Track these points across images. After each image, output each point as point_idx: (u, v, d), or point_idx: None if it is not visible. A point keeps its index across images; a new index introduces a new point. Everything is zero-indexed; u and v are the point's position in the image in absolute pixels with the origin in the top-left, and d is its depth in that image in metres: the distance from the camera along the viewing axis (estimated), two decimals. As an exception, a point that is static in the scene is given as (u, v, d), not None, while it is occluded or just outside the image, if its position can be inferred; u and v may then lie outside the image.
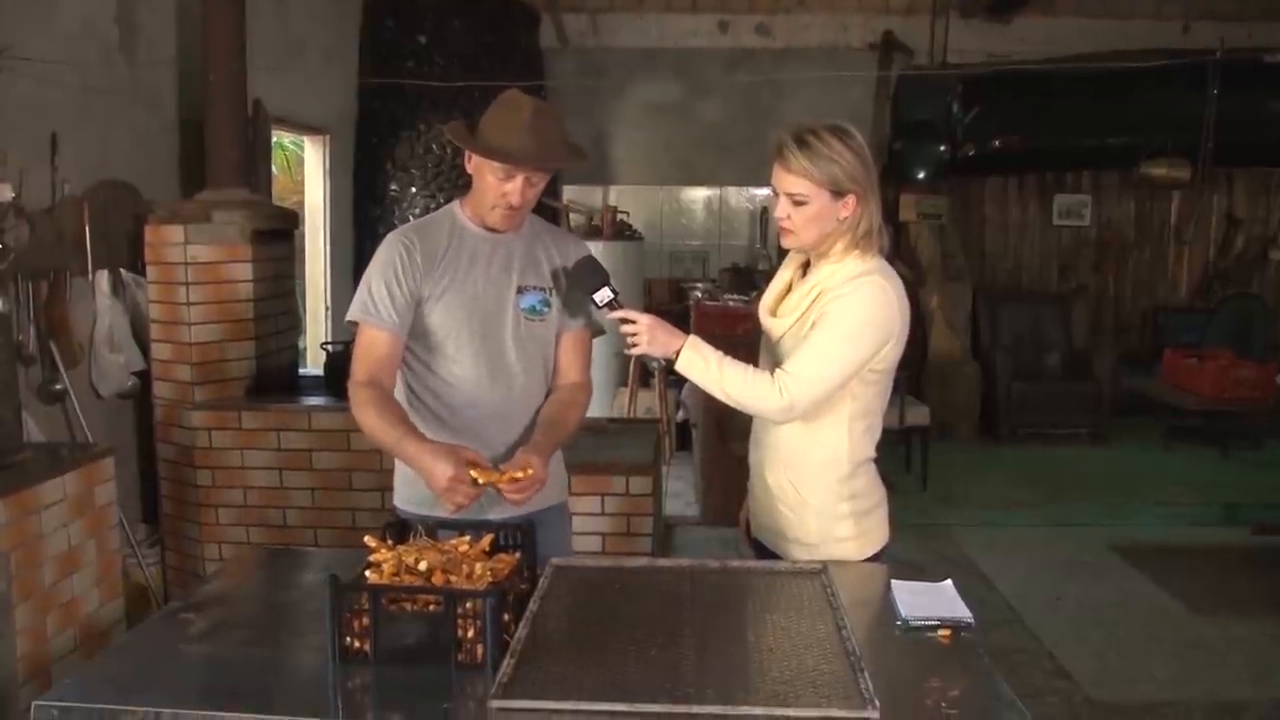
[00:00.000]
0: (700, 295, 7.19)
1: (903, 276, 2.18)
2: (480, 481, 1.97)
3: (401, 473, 2.30)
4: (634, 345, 2.11)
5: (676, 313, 6.82)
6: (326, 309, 6.60)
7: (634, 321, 2.10)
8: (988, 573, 4.93)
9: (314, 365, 5.58)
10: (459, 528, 1.95)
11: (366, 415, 2.09)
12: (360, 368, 2.15)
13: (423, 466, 1.98)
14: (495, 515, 2.15)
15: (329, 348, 4.48)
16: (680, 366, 2.11)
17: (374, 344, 2.15)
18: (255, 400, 4.13)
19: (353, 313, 2.18)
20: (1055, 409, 7.50)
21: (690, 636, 1.73)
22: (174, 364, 4.08)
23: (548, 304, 2.27)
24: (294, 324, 4.66)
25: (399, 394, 2.27)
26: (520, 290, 2.24)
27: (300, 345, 5.42)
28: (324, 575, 1.67)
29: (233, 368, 4.14)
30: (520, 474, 2.00)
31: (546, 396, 2.30)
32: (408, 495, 2.29)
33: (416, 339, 2.20)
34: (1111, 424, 7.45)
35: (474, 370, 2.20)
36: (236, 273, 4.10)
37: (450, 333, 2.19)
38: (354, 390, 2.13)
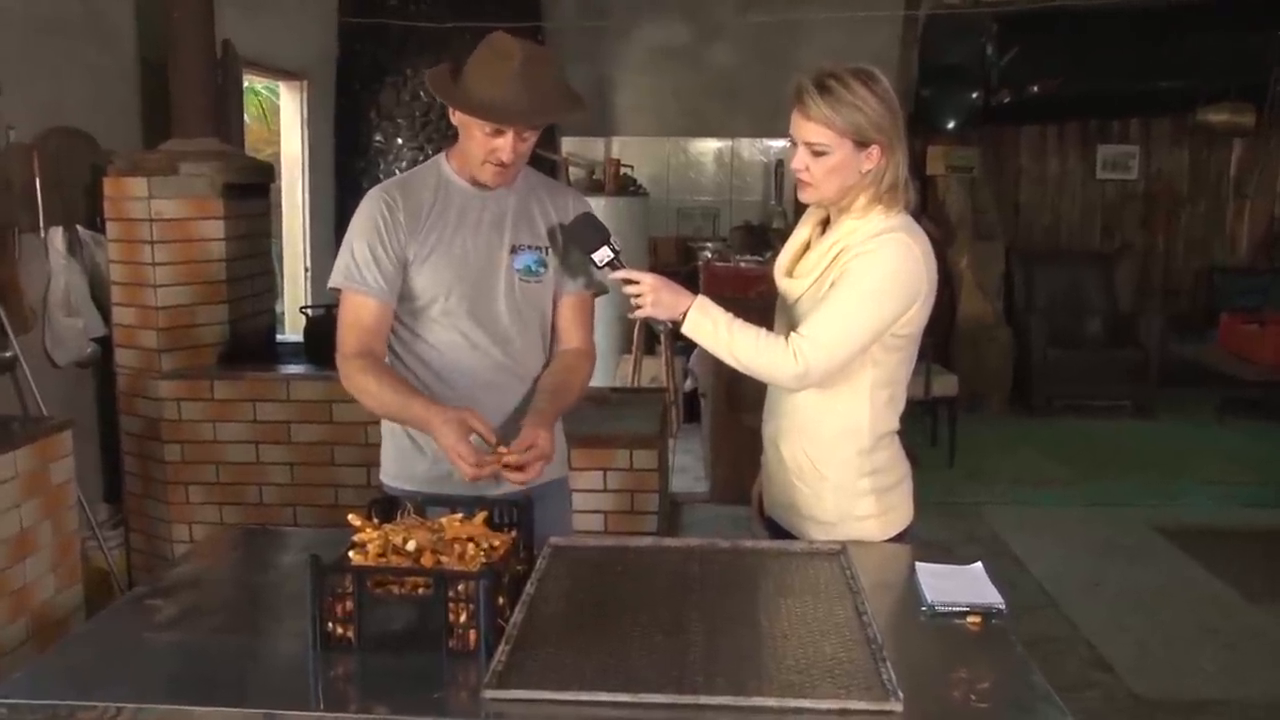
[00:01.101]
0: (710, 255, 7.18)
1: (930, 234, 2.17)
2: (499, 451, 2.02)
3: (390, 447, 2.32)
4: (638, 307, 2.11)
5: (684, 274, 6.80)
6: (306, 270, 6.59)
7: (637, 282, 2.10)
8: (1020, 555, 4.96)
9: (292, 331, 5.59)
10: (450, 505, 1.96)
11: (365, 383, 2.11)
12: (349, 338, 2.15)
13: (432, 432, 2.02)
14: (491, 491, 2.16)
15: (309, 312, 4.48)
16: (687, 329, 2.11)
17: (361, 312, 2.16)
18: (228, 368, 4.14)
19: (335, 279, 2.18)
20: (1095, 378, 7.49)
21: (698, 622, 1.74)
22: (138, 329, 4.09)
23: (544, 264, 2.27)
24: (270, 286, 4.66)
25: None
26: (514, 249, 2.24)
27: (277, 309, 5.43)
28: (304, 556, 1.68)
29: (203, 333, 4.15)
30: (514, 456, 2.02)
31: (545, 364, 2.31)
32: (396, 471, 2.30)
33: (402, 302, 2.20)
34: (1158, 395, 7.43)
35: (465, 336, 2.21)
36: (206, 230, 4.10)
37: (438, 296, 2.19)
38: (344, 363, 2.14)
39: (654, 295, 2.09)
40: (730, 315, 2.11)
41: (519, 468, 2.04)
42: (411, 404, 2.08)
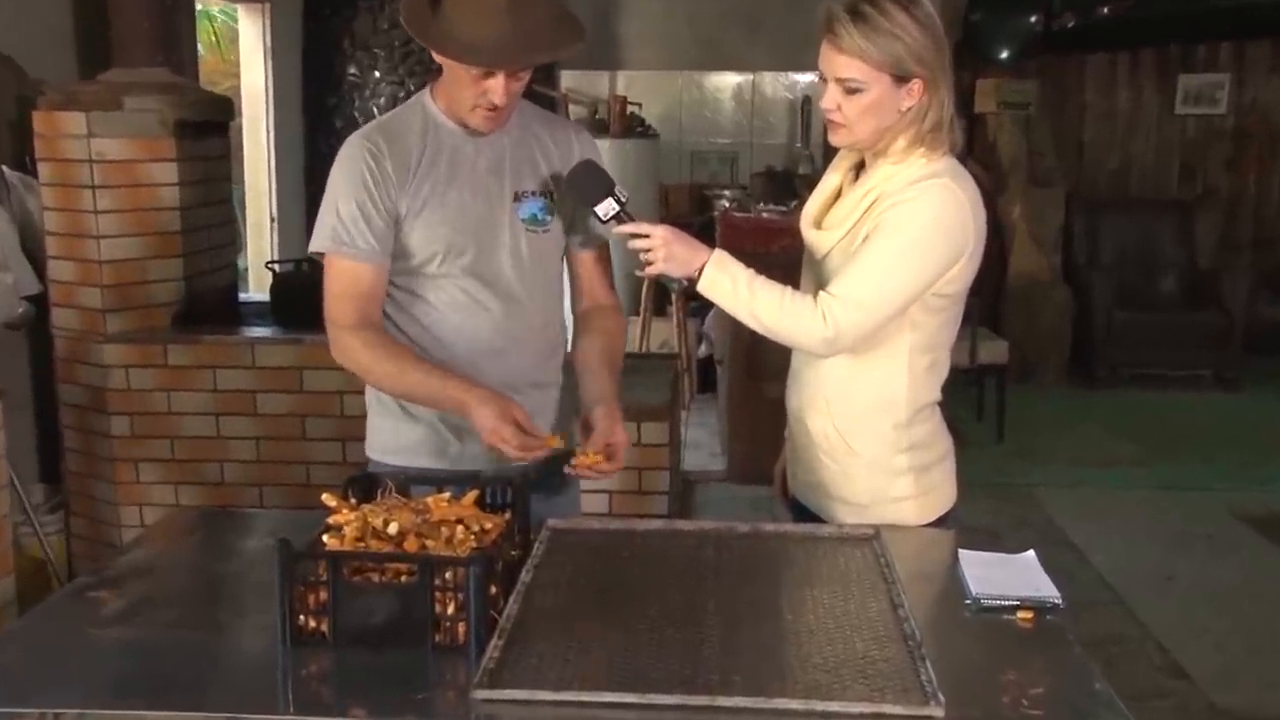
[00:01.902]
0: (728, 205, 7.18)
1: (978, 180, 2.18)
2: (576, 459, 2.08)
3: (378, 417, 2.34)
4: (648, 264, 2.12)
5: (699, 225, 6.81)
6: (272, 220, 6.60)
7: (647, 235, 2.11)
8: (1079, 543, 4.99)
9: (257, 289, 5.62)
10: (436, 483, 1.98)
11: (375, 362, 2.13)
12: (344, 309, 2.16)
13: (468, 411, 2.05)
14: (487, 465, 2.20)
15: (276, 267, 4.50)
16: (703, 287, 2.12)
17: (354, 279, 2.16)
18: (184, 331, 4.16)
19: (319, 243, 2.17)
20: (1169, 345, 7.49)
21: (714, 614, 1.77)
22: (79, 287, 4.10)
23: (550, 211, 2.28)
24: (231, 238, 4.67)
25: None
26: (517, 197, 2.25)
27: (240, 264, 5.45)
28: (272, 541, 1.70)
29: (155, 291, 4.16)
30: (592, 457, 2.09)
31: (559, 326, 2.35)
32: (386, 444, 2.33)
33: (397, 259, 2.21)
34: (1243, 364, 7.40)
35: (466, 295, 2.23)
36: (157, 174, 4.10)
37: (434, 254, 2.20)
38: (343, 338, 2.15)
39: (666, 250, 2.10)
40: (751, 272, 2.12)
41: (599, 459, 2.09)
42: (445, 384, 2.09)
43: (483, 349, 2.24)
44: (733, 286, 2.10)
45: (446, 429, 2.25)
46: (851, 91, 2.09)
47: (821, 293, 2.09)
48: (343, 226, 2.14)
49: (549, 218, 2.28)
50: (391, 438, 2.31)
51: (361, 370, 2.16)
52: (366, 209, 2.14)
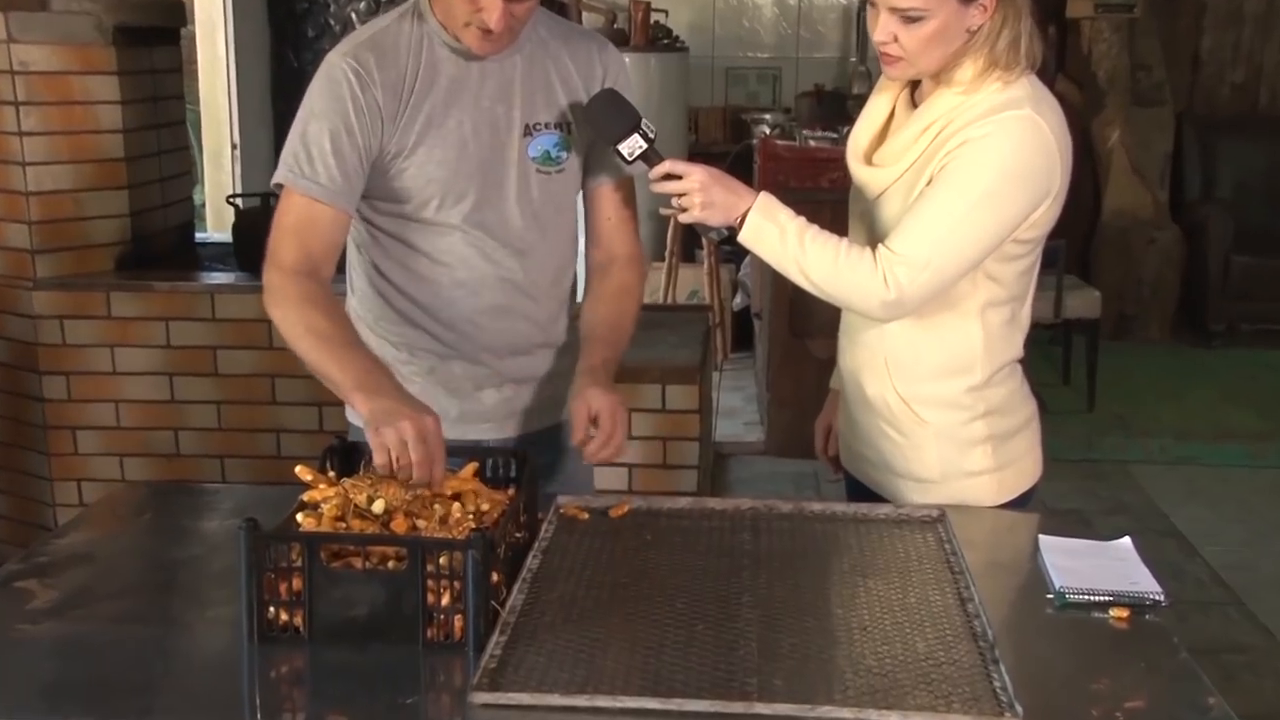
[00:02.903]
0: (768, 131, 7.16)
1: (1066, 100, 2.17)
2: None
3: None
4: (682, 210, 2.14)
5: (734, 156, 6.79)
6: (233, 147, 6.59)
7: (681, 177, 2.12)
8: (1187, 531, 4.99)
9: (217, 228, 5.64)
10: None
11: (298, 317, 2.06)
12: (287, 247, 2.12)
13: (396, 409, 1.92)
14: (490, 435, 2.23)
15: (239, 203, 4.52)
16: (746, 238, 2.13)
17: (309, 220, 2.14)
18: (131, 276, 4.19)
19: (281, 173, 2.15)
20: (1298, 295, 7.42)
21: (751, 608, 1.79)
22: (2, 223, 4.13)
23: (565, 146, 2.28)
24: (186, 168, 4.69)
25: (359, 279, 2.32)
26: (528, 131, 2.25)
27: (196, 199, 5.45)
28: (236, 521, 1.72)
29: (95, 229, 4.19)
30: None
31: (571, 282, 2.38)
32: None
33: (387, 201, 2.22)
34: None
35: (467, 246, 2.24)
36: (94, 89, 4.11)
37: (430, 197, 2.21)
38: (276, 279, 2.10)
39: (704, 193, 2.11)
40: (802, 221, 2.13)
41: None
42: (347, 377, 1.98)
43: (486, 307, 2.26)
44: (780, 238, 2.11)
45: (444, 392, 2.28)
46: (910, 20, 2.08)
47: (881, 249, 2.10)
48: (305, 156, 2.12)
49: (564, 155, 2.28)
50: None
51: (285, 322, 2.07)
52: (340, 142, 2.12)
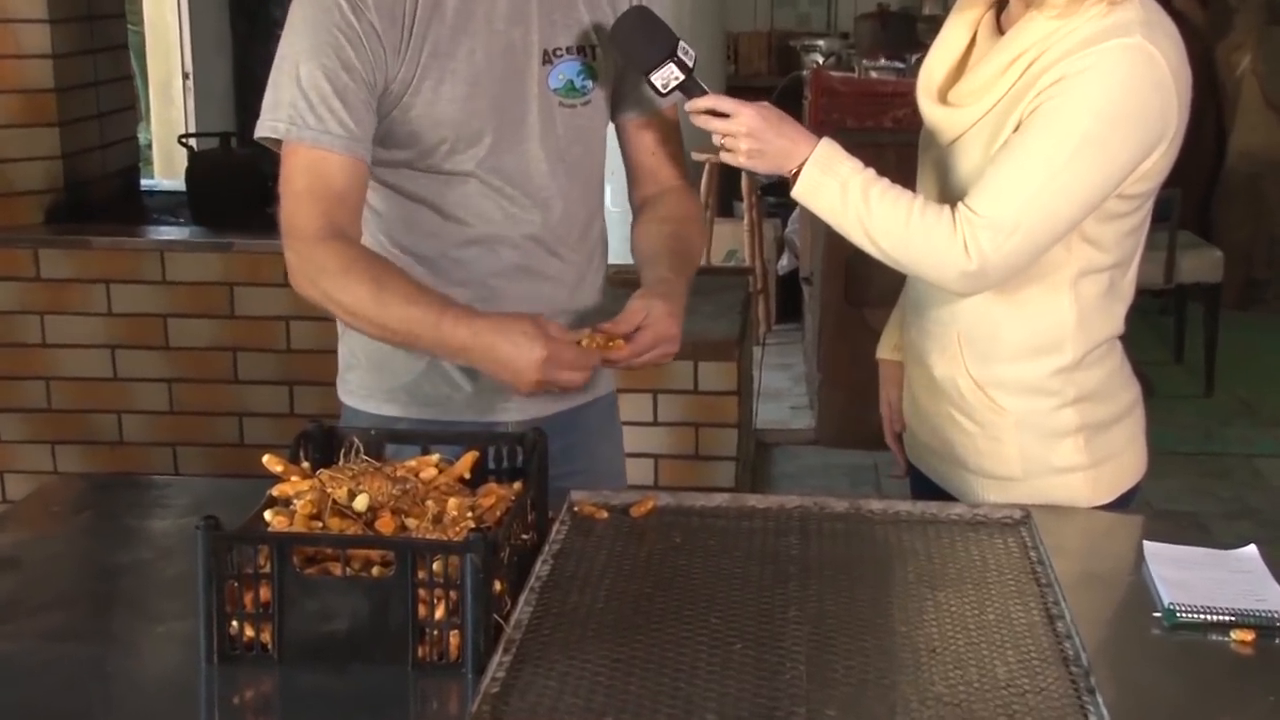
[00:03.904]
0: (821, 61, 7.14)
1: (1185, 21, 2.15)
2: (583, 344, 2.08)
3: (356, 348, 2.37)
4: (728, 153, 2.13)
5: (782, 91, 6.77)
6: (185, 77, 6.60)
7: (727, 115, 2.11)
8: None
9: (166, 174, 5.64)
10: (424, 440, 2.01)
11: (357, 289, 2.08)
12: (308, 215, 2.11)
13: (497, 354, 2.03)
14: (512, 415, 2.25)
15: (192, 144, 4.52)
16: (802, 193, 2.12)
17: (323, 175, 2.12)
18: (64, 230, 4.20)
19: (273, 125, 2.13)
20: None
21: (799, 624, 1.79)
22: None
23: (591, 74, 2.28)
24: (129, 102, 4.69)
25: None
26: (547, 58, 2.24)
27: (142, 139, 5.46)
28: (193, 520, 1.71)
29: (20, 174, 4.20)
30: (621, 340, 2.10)
31: (601, 233, 2.39)
32: (368, 384, 2.36)
33: (387, 148, 2.21)
34: None
35: (484, 196, 2.24)
36: (14, 4, 4.10)
37: (439, 141, 2.21)
38: (303, 253, 2.11)
39: (754, 137, 2.10)
40: (869, 175, 2.12)
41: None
42: (452, 321, 2.05)
43: (505, 267, 2.27)
44: (841, 195, 2.10)
45: (458, 367, 2.28)
46: None
47: (961, 209, 2.08)
48: (306, 103, 2.10)
49: (590, 84, 2.27)
50: (379, 375, 2.35)
51: (330, 300, 2.11)
52: (340, 79, 2.10)
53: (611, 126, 2.39)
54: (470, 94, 2.19)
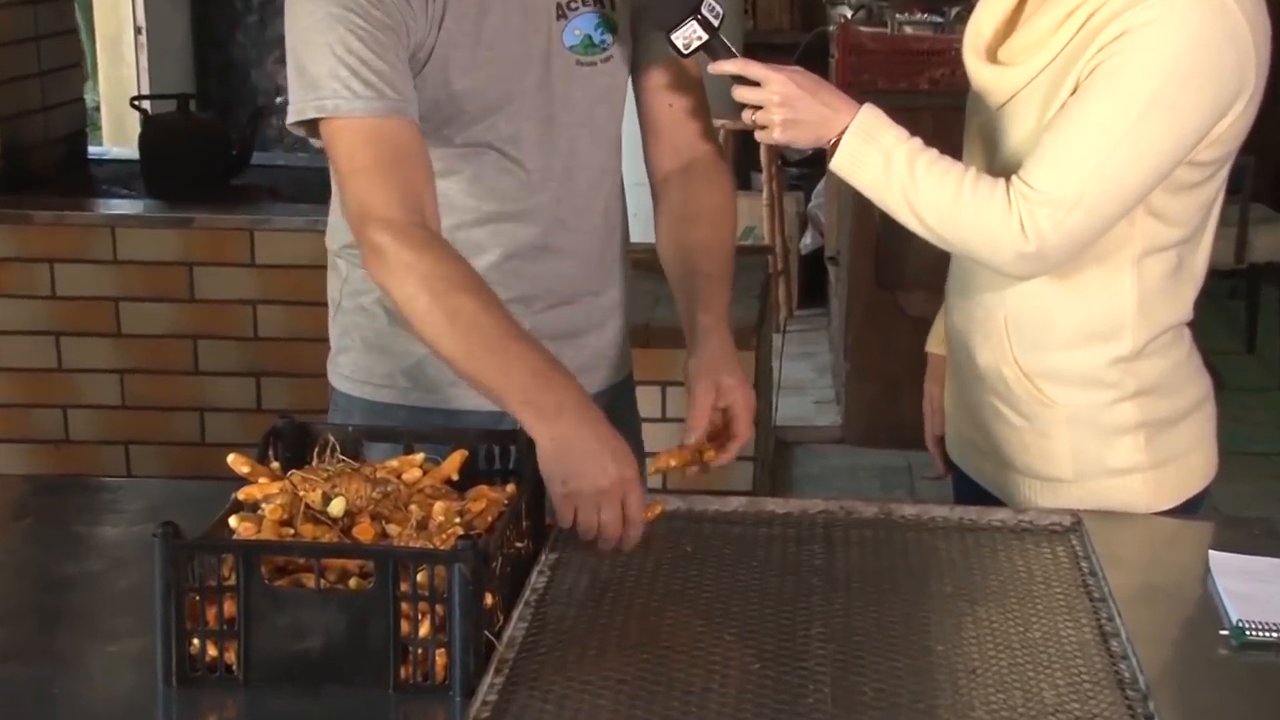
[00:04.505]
0: (850, 15, 7.12)
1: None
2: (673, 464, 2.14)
3: (350, 328, 2.38)
4: (759, 127, 2.13)
5: (805, 49, 6.75)
6: (138, 32, 6.57)
7: (758, 83, 2.11)
8: None
9: (117, 140, 5.64)
10: (407, 438, 2.02)
11: (434, 300, 2.01)
12: (381, 193, 2.06)
13: (585, 443, 1.95)
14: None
15: (146, 106, 4.52)
16: (840, 166, 2.13)
17: (393, 148, 2.08)
18: (2, 203, 4.19)
19: (318, 105, 2.08)
20: None
21: (823, 642, 1.79)
22: None
23: (610, 25, 2.29)
24: (75, 59, 4.69)
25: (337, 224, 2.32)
26: (560, 12, 2.25)
27: (89, 100, 5.45)
28: (149, 527, 1.72)
29: (-49, 141, 4.20)
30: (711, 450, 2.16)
31: (622, 207, 2.41)
32: (362, 368, 2.37)
33: None
34: None
35: (499, 170, 2.26)
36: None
37: (454, 114, 2.22)
38: (388, 242, 2.02)
39: (788, 109, 2.11)
40: (914, 145, 2.12)
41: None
42: (520, 369, 1.99)
43: (522, 249, 2.28)
44: (884, 168, 2.11)
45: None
46: None
47: (1016, 184, 2.08)
48: (348, 70, 2.05)
49: (608, 38, 2.28)
50: (374, 357, 2.36)
51: (410, 309, 2.03)
52: (377, 42, 2.06)
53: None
54: (490, 59, 2.20)
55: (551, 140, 2.27)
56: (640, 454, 2.51)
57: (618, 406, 2.42)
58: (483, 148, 2.24)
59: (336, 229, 2.36)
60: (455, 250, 2.09)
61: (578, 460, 1.92)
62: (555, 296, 2.30)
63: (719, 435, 2.18)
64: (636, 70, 2.36)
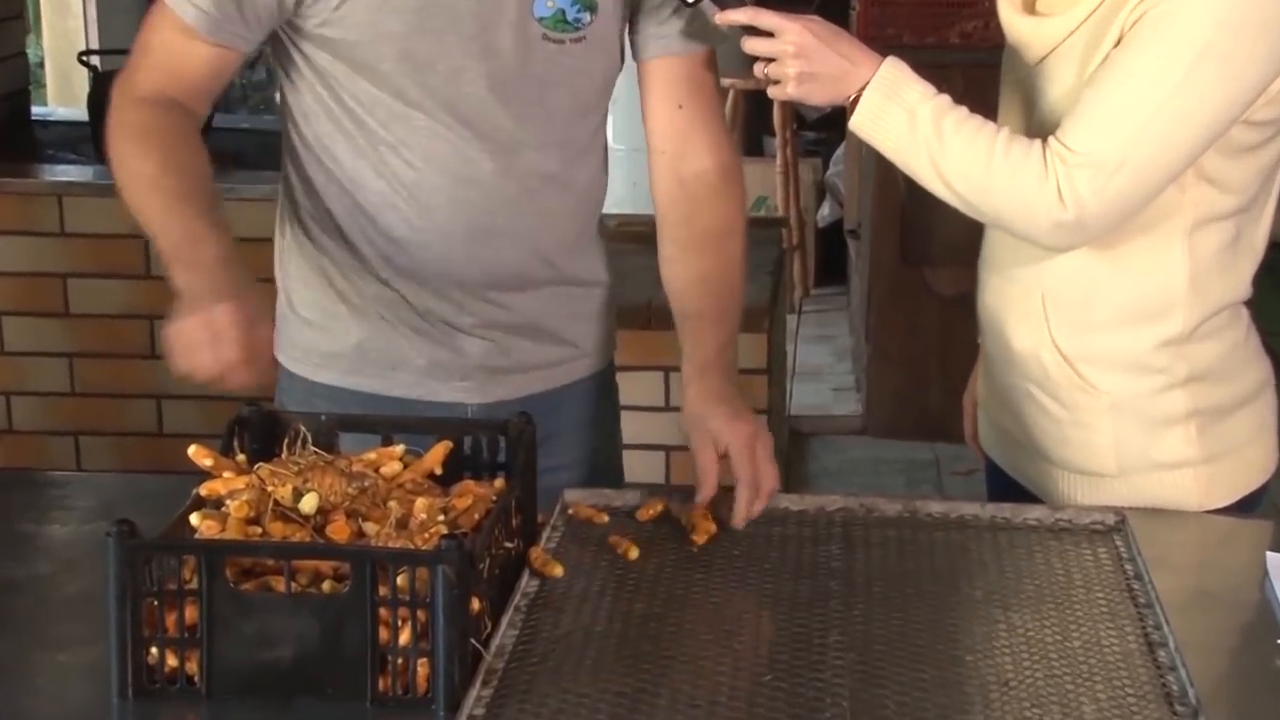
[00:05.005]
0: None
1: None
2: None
3: (292, 295, 2.40)
4: (771, 82, 2.14)
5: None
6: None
7: (770, 35, 2.11)
8: None
9: (63, 100, 5.64)
10: (386, 427, 2.02)
11: (129, 155, 2.18)
12: (145, 72, 2.23)
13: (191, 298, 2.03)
14: (471, 397, 2.28)
15: (95, 62, 4.52)
16: (860, 125, 2.14)
17: (181, 53, 2.21)
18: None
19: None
20: None
21: (841, 652, 1.80)
22: None
23: (589, 6, 2.27)
24: (14, 13, 4.68)
25: (288, 171, 2.36)
26: None
27: (32, 56, 5.46)
28: (102, 525, 1.72)
29: None
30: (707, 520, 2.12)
31: (599, 190, 2.41)
32: (302, 344, 2.39)
33: (319, 49, 2.23)
34: None
35: (434, 136, 2.25)
36: None
37: (382, 56, 2.21)
38: (119, 105, 2.22)
39: (803, 62, 2.11)
40: (942, 102, 2.12)
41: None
42: (195, 242, 2.08)
43: (459, 228, 2.28)
44: (909, 127, 2.11)
45: (407, 333, 2.32)
46: None
47: (1053, 145, 2.08)
48: None
49: (586, 16, 2.27)
50: (313, 332, 2.37)
51: (118, 162, 2.21)
52: None
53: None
54: (421, 13, 2.19)
55: (500, 119, 2.26)
56: (616, 454, 2.52)
57: (589, 400, 2.44)
58: (409, 106, 2.23)
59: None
60: (185, 124, 2.22)
61: (196, 299, 2.00)
62: (501, 282, 2.30)
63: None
64: (640, 60, 2.36)
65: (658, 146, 2.38)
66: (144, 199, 2.15)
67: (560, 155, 2.34)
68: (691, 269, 2.34)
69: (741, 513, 2.10)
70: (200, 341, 1.93)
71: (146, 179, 2.15)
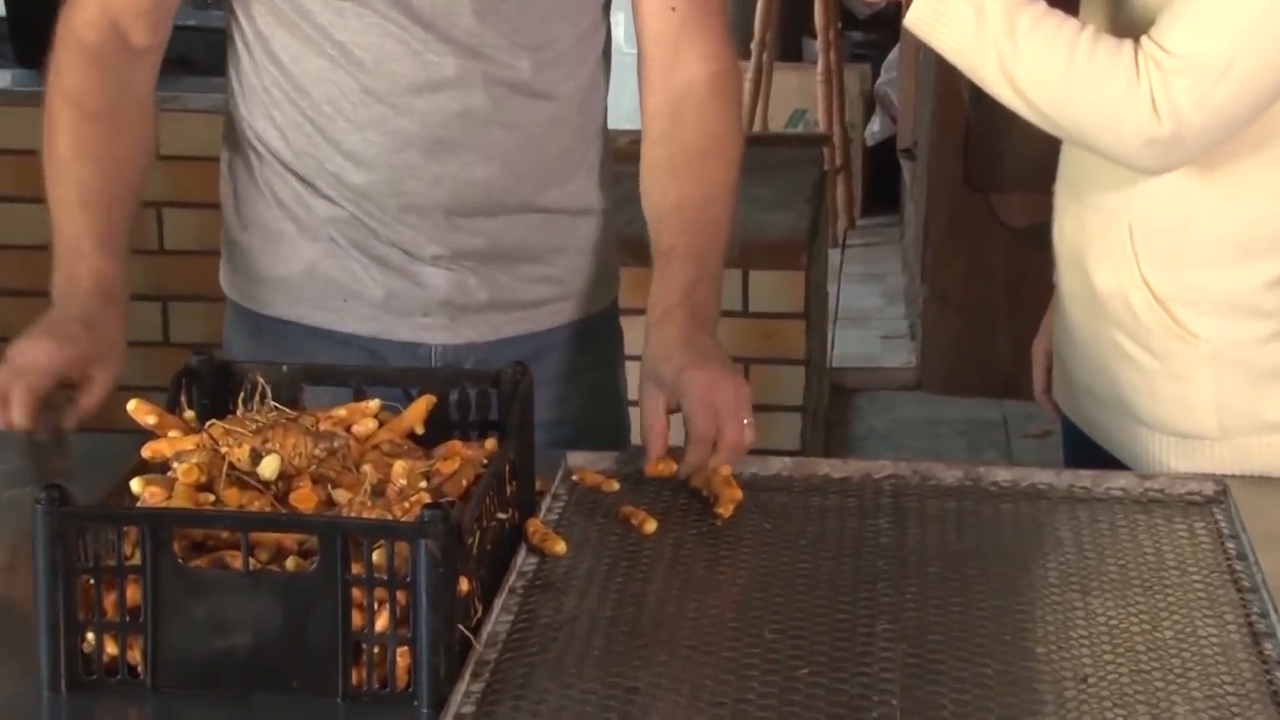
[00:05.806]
0: None
1: None
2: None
3: (233, 219, 2.44)
4: None
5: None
6: None
7: None
8: None
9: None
10: (358, 378, 2.05)
11: (58, 132, 2.31)
12: (88, 11, 2.31)
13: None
14: (439, 338, 2.32)
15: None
16: (917, 21, 2.14)
17: None
18: None
19: None
20: None
21: (890, 643, 1.81)
22: None
23: None
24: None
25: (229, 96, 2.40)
26: None
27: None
28: (28, 491, 1.75)
29: None
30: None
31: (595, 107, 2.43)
32: (246, 271, 2.44)
33: None
34: None
35: (383, 31, 2.28)
36: None
37: None
38: (64, 48, 2.34)
39: None
40: None
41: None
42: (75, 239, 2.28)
43: (418, 137, 2.31)
44: (976, 26, 2.11)
45: (362, 258, 2.35)
46: None
47: (1147, 45, 2.08)
48: None
49: None
50: (257, 258, 2.41)
51: (46, 122, 2.33)
52: None
53: None
54: None
55: (457, 14, 2.28)
56: (620, 403, 2.53)
57: (587, 344, 2.46)
58: (363, 5, 2.25)
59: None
60: (120, 70, 2.33)
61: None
62: (467, 207, 2.33)
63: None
64: None
65: (647, 52, 2.39)
66: (53, 184, 2.32)
67: (534, 60, 2.35)
68: (667, 196, 2.36)
69: (685, 469, 2.12)
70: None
71: (61, 161, 2.30)
